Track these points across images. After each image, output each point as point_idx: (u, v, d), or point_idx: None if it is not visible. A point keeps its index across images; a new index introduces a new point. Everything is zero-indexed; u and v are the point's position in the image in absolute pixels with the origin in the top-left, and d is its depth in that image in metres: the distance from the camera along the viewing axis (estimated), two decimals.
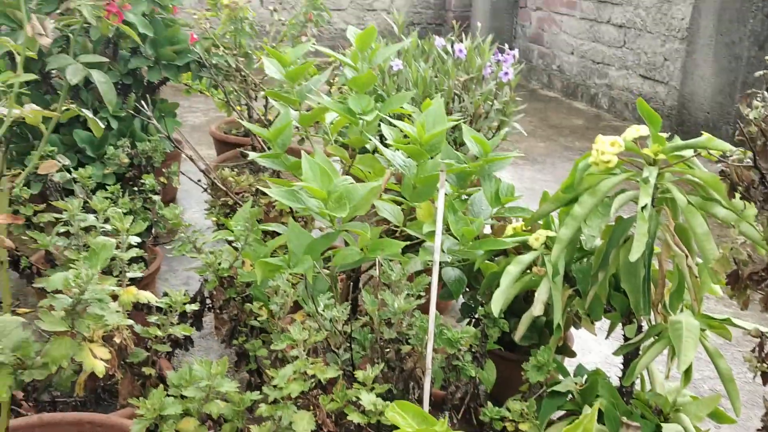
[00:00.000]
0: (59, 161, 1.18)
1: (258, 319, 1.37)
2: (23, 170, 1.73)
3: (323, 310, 1.28)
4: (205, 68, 2.57)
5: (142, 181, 2.00)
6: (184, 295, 1.23)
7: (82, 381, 1.15)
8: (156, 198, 1.90)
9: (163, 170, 2.35)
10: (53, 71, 2.28)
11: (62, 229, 1.42)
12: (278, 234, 1.65)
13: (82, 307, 1.00)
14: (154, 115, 2.55)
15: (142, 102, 2.13)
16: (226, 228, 1.82)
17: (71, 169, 1.69)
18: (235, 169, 2.43)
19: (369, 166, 1.72)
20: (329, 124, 1.81)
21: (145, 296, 1.15)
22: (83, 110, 1.23)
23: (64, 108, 1.25)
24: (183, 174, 2.35)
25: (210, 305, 1.63)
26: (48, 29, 0.96)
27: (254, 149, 2.63)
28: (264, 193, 2.23)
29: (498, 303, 1.46)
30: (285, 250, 1.65)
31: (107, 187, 2.07)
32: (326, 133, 1.84)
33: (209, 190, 2.30)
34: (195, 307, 1.22)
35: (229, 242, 1.80)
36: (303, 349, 1.10)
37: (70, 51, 1.29)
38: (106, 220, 1.39)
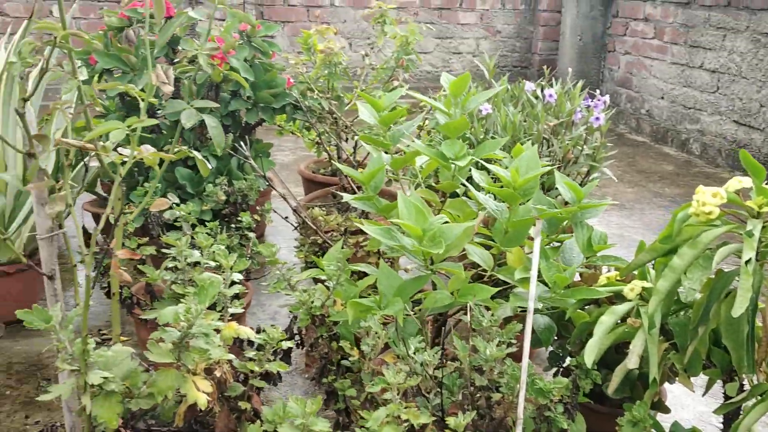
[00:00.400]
0: (170, 199, 1.25)
1: (350, 359, 1.39)
2: (131, 205, 1.83)
3: (414, 353, 1.29)
4: (299, 110, 2.66)
5: (239, 218, 2.08)
6: (282, 332, 1.27)
7: (182, 412, 1.19)
8: (251, 235, 1.97)
9: (257, 207, 2.44)
10: (157, 112, 2.42)
11: (170, 264, 1.50)
12: (365, 274, 1.68)
13: (188, 341, 1.05)
14: (250, 155, 2.65)
15: (240, 142, 2.22)
16: (316, 266, 1.86)
17: (173, 206, 1.78)
18: (324, 209, 2.48)
19: (459, 210, 1.73)
20: (419, 167, 1.84)
21: (245, 332, 1.20)
22: (193, 151, 1.30)
23: (176, 149, 1.32)
24: (275, 212, 2.42)
25: (298, 342, 1.66)
26: (171, 78, 1.04)
27: (344, 189, 2.69)
28: (353, 233, 2.28)
29: (591, 353, 1.43)
30: (373, 291, 1.68)
31: (206, 222, 2.16)
32: (415, 176, 1.87)
33: (299, 229, 2.36)
34: (291, 344, 1.25)
35: (316, 280, 1.84)
36: (397, 392, 1.11)
37: (183, 95, 1.37)
38: (210, 257, 1.46)
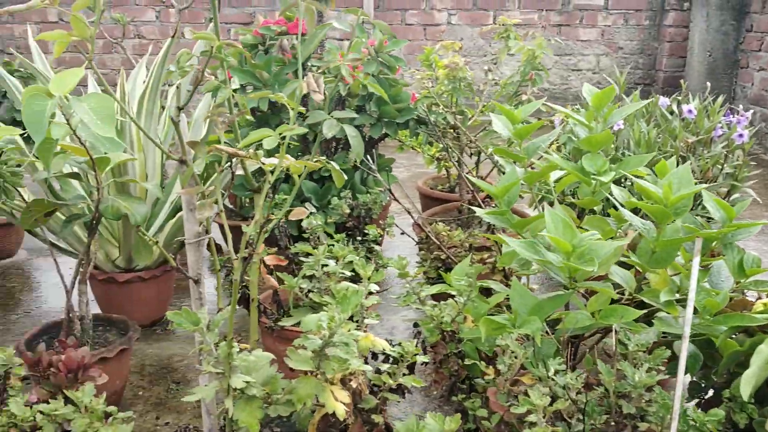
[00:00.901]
0: (307, 209, 1.25)
1: (484, 378, 1.34)
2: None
3: (554, 376, 1.23)
4: (423, 125, 2.65)
5: (364, 231, 2.08)
6: (416, 346, 1.24)
7: (316, 421, 1.18)
8: (378, 248, 1.97)
9: (380, 222, 2.44)
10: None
11: (307, 272, 1.51)
12: (489, 291, 1.63)
13: (328, 350, 1.04)
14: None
15: (366, 156, 2.23)
16: (438, 282, 1.82)
17: (303, 203, 1.80)
18: (446, 224, 2.45)
19: (597, 228, 1.65)
20: (553, 182, 1.77)
21: (381, 344, 1.18)
22: (331, 163, 1.31)
23: (315, 159, 1.33)
24: (397, 226, 2.41)
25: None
26: (321, 86, 1.04)
27: (470, 204, 2.65)
28: (477, 249, 2.23)
29: (748, 385, 1.31)
30: (501, 309, 1.63)
31: (331, 235, 2.18)
32: (548, 192, 1.81)
33: (421, 244, 2.34)
34: (426, 358, 1.22)
35: (436, 297, 1.80)
36: (543, 416, 1.06)
37: (324, 107, 1.39)
38: (345, 266, 1.46)
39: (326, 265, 1.47)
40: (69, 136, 1.82)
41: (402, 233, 2.37)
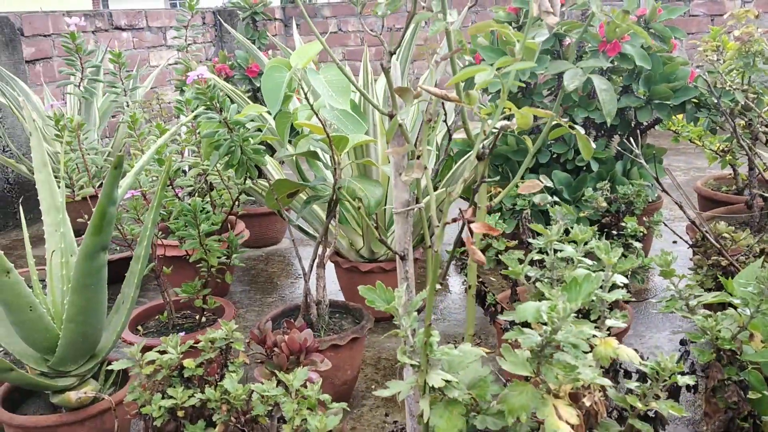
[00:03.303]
0: (542, 182, 1.01)
1: None
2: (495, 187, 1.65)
3: None
4: (703, 109, 2.22)
5: (623, 224, 1.76)
6: (678, 362, 0.93)
7: None
8: (637, 245, 1.64)
9: (644, 219, 2.08)
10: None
11: (536, 257, 1.26)
12: None
13: (551, 351, 0.80)
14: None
15: (630, 143, 1.90)
16: (722, 289, 1.45)
17: (553, 195, 1.55)
18: (731, 225, 2.01)
19: None
20: None
21: (627, 354, 0.89)
22: (576, 127, 1.05)
23: (554, 123, 1.08)
24: (665, 225, 2.03)
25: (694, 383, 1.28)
26: (557, 6, 0.81)
27: (749, 207, 2.17)
28: None
29: None
30: None
31: None
32: None
33: (696, 247, 1.93)
34: (691, 380, 0.90)
35: (709, 309, 1.42)
36: None
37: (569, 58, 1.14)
38: (587, 255, 1.18)
39: (561, 250, 1.20)
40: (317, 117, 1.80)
41: (675, 242, 1.99)
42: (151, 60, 5.79)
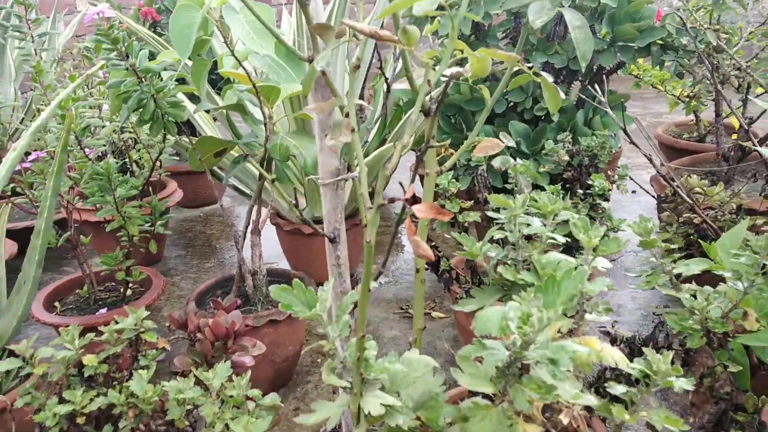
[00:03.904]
0: (503, 140, 0.82)
1: None
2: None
3: None
4: (670, 51, 2.04)
5: (588, 183, 1.58)
6: (672, 363, 0.75)
7: None
8: (605, 205, 1.47)
9: (607, 173, 1.91)
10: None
11: (497, 235, 1.06)
12: None
13: (521, 368, 0.62)
14: (599, 109, 2.12)
15: (595, 89, 1.71)
16: (694, 255, 1.29)
17: (508, 155, 1.36)
18: (704, 178, 1.86)
19: None
20: None
21: (613, 356, 0.72)
22: (542, 73, 0.85)
23: (516, 70, 0.88)
24: (631, 178, 1.87)
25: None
26: None
27: (725, 159, 2.02)
28: (749, 213, 1.63)
29: None
30: None
31: (543, 188, 1.71)
32: None
33: (665, 203, 1.78)
34: (689, 384, 0.73)
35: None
36: None
37: None
38: (559, 230, 0.99)
39: (528, 225, 1.01)
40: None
41: (633, 191, 1.84)
42: (78, 5, 5.35)
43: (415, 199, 0.63)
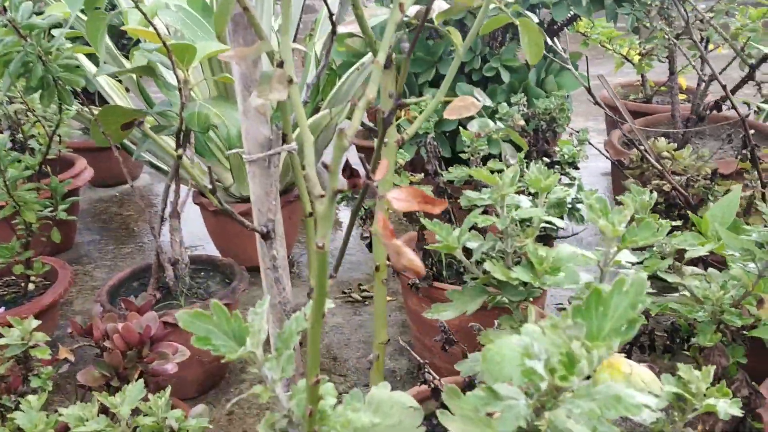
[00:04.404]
0: (478, 98, 0.63)
1: None
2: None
3: None
4: (626, 3, 1.89)
5: (546, 151, 1.41)
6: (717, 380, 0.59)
7: None
8: (575, 174, 1.30)
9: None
10: None
11: (481, 221, 0.85)
12: None
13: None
14: (552, 68, 1.96)
15: (554, 43, 1.54)
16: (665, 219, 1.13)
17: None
18: (668, 141, 1.72)
19: None
20: None
21: (643, 378, 0.53)
22: (527, 14, 0.65)
23: (492, 6, 0.69)
24: (590, 144, 1.71)
25: None
26: None
27: (691, 119, 1.89)
28: (724, 177, 1.50)
29: None
30: None
31: (495, 157, 1.54)
32: None
33: (629, 169, 1.63)
34: (736, 409, 0.57)
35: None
36: None
37: None
38: (552, 210, 0.81)
39: (517, 207, 0.81)
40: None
41: (586, 157, 1.69)
42: None
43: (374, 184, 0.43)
